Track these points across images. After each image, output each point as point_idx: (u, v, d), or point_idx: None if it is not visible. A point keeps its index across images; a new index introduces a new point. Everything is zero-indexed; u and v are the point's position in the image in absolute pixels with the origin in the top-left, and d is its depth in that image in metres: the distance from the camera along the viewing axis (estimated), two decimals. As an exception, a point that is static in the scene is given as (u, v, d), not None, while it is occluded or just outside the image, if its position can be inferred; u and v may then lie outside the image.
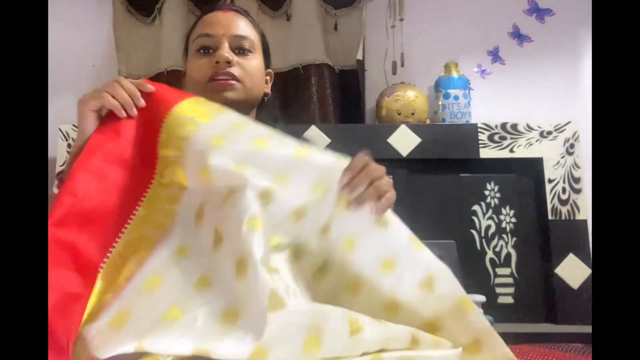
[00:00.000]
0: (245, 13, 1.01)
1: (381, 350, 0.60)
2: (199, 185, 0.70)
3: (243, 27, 0.96)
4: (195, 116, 0.75)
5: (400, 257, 0.66)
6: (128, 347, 0.54)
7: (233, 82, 0.92)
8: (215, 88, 0.92)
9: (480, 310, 0.70)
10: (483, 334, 0.64)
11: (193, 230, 0.69)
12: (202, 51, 0.95)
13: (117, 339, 0.55)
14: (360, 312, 0.61)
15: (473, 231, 1.71)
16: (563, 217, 1.65)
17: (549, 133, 1.68)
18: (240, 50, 0.95)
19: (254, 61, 0.96)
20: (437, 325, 0.65)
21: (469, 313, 0.65)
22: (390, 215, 0.70)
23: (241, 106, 0.97)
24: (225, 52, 0.91)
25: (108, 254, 0.65)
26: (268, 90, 1.06)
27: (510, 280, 1.68)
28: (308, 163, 0.72)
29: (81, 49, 1.92)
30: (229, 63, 0.91)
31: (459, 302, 0.65)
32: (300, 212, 0.66)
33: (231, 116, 0.78)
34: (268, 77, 1.07)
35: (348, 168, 0.70)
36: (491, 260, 1.69)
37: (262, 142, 0.73)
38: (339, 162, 0.72)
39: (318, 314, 0.57)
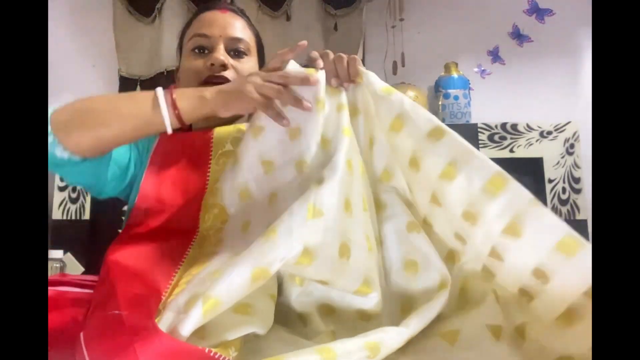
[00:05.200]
0: (241, 13, 1.00)
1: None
2: (240, 207, 0.76)
3: (240, 29, 0.95)
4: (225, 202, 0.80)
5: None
6: (197, 309, 0.52)
7: None
8: None
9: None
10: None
11: (241, 236, 0.71)
12: (197, 51, 0.94)
13: (188, 315, 0.53)
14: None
15: (473, 231, 1.71)
16: (563, 217, 1.65)
17: (549, 133, 1.68)
18: (235, 52, 0.94)
19: (249, 64, 0.95)
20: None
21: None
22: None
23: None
24: (221, 54, 0.90)
25: (168, 285, 0.65)
26: None
27: (510, 280, 1.69)
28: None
29: (81, 49, 1.92)
30: (223, 66, 0.90)
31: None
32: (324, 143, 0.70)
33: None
34: None
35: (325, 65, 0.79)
36: (491, 260, 1.70)
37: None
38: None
39: (346, 226, 0.61)
